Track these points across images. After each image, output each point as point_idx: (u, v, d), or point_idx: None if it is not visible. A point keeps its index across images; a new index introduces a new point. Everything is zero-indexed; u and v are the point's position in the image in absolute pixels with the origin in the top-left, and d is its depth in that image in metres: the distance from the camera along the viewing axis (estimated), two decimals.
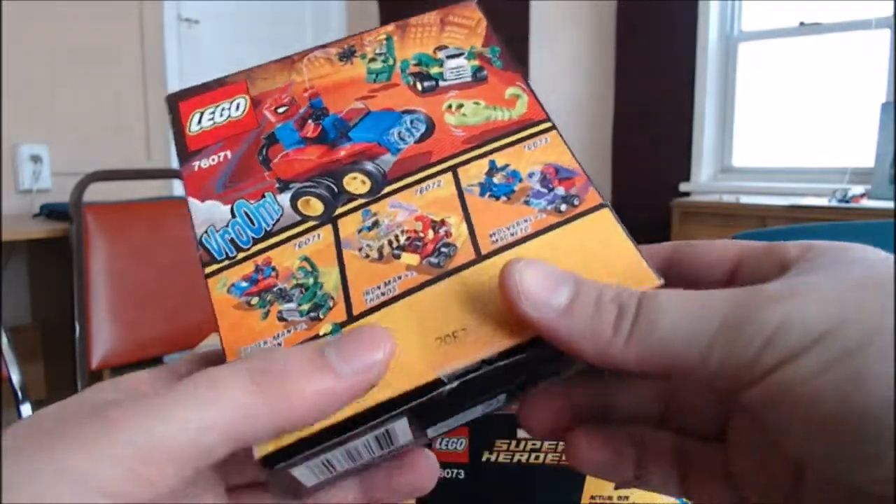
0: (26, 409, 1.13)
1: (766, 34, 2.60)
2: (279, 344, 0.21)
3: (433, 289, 0.22)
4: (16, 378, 1.12)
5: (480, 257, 0.22)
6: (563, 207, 0.23)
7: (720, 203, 2.33)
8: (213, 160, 0.25)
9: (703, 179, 2.64)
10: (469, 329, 0.21)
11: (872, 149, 2.24)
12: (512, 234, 0.23)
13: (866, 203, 2.09)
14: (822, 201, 2.16)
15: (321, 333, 0.21)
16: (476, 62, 0.27)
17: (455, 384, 0.20)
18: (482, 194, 0.24)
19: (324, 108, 0.27)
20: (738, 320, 0.18)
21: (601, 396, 0.25)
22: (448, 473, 0.39)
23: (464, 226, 0.23)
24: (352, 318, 0.21)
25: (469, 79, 0.27)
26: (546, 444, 0.38)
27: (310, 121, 0.26)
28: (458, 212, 0.23)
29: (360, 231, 0.23)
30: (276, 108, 0.27)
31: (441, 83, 0.27)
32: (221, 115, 0.27)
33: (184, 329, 1.40)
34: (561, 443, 0.38)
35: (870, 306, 0.17)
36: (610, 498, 0.39)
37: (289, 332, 0.21)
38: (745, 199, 2.34)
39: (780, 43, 2.56)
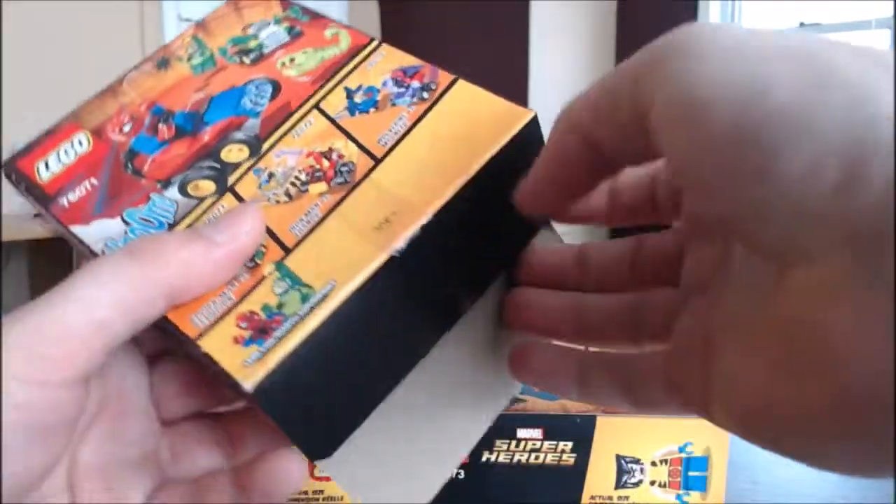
0: None
1: None
2: (230, 299, 0.21)
3: (352, 198, 0.22)
4: None
5: (378, 160, 0.23)
6: (426, 95, 0.25)
7: None
8: (81, 190, 0.25)
9: None
10: (398, 211, 0.22)
11: None
12: (396, 133, 0.24)
13: None
14: None
15: (265, 274, 0.21)
16: (285, 24, 0.29)
17: (403, 247, 0.21)
18: (352, 114, 0.25)
19: (167, 111, 0.27)
20: None
21: (575, 310, 0.25)
22: None
23: (351, 144, 0.24)
24: (288, 252, 0.21)
25: (287, 38, 0.28)
26: (546, 444, 0.38)
27: (160, 124, 0.26)
28: (339, 136, 0.24)
29: (260, 187, 0.24)
30: (120, 130, 0.26)
31: (264, 51, 0.28)
32: (67, 155, 0.26)
33: None
34: (561, 443, 0.38)
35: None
36: (610, 498, 0.39)
37: (233, 286, 0.21)
38: None
39: None
